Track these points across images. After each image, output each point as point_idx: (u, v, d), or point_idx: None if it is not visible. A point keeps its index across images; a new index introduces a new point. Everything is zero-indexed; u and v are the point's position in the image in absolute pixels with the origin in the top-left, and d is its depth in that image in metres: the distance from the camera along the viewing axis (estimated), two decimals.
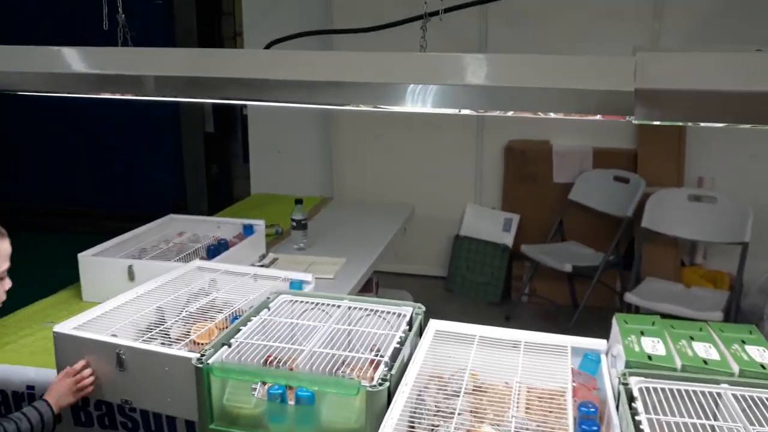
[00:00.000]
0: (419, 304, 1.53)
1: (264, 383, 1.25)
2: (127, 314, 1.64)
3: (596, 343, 1.43)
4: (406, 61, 1.11)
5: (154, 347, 1.43)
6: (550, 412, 1.28)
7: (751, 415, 1.12)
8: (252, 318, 1.47)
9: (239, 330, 1.40)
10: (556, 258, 3.66)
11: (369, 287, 2.86)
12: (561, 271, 3.63)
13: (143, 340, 1.48)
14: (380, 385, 1.18)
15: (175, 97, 1.36)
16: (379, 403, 1.17)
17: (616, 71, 1.02)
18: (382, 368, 1.25)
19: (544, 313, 4.05)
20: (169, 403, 1.41)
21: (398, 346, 1.33)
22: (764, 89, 1.02)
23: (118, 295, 1.70)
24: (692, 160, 3.93)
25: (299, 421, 1.23)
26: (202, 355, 1.28)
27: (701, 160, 3.94)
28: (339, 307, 1.54)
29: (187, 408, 1.34)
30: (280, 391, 1.22)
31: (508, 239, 4.22)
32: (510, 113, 1.05)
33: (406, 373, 1.27)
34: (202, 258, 2.14)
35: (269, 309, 1.52)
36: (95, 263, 2.11)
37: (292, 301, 1.58)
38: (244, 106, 5.49)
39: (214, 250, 2.24)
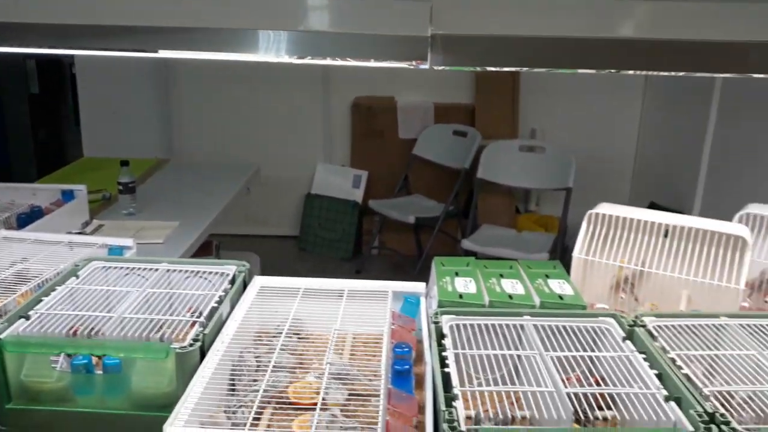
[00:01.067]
0: (243, 262, 1.49)
1: (69, 355, 1.17)
2: None
3: (416, 287, 1.47)
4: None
5: None
6: (374, 355, 1.31)
7: (547, 343, 1.21)
8: (57, 287, 1.36)
9: (41, 300, 1.29)
10: (401, 211, 3.76)
11: (208, 251, 2.77)
12: (407, 223, 3.74)
13: None
14: (191, 345, 1.13)
15: None
16: (191, 364, 1.13)
17: (412, 17, 1.03)
18: (196, 328, 1.20)
19: (392, 264, 4.17)
20: None
21: (216, 305, 1.29)
22: (550, 34, 1.07)
23: None
24: (526, 113, 4.17)
25: (108, 390, 1.16)
26: None
27: (534, 112, 4.18)
28: (157, 270, 1.46)
29: None
30: (84, 362, 1.14)
31: (357, 195, 4.27)
32: (306, 60, 1.02)
33: (222, 331, 1.23)
34: (10, 228, 1.95)
35: (78, 277, 1.41)
36: None
37: (105, 267, 1.47)
38: (72, 64, 5.05)
39: (26, 218, 2.04)
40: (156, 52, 1.24)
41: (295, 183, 4.41)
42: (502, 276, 1.43)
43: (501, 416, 1.07)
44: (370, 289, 1.45)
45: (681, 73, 1.22)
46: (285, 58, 1.00)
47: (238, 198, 2.89)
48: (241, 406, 1.11)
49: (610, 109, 4.15)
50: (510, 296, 1.33)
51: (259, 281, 1.46)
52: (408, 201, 4.05)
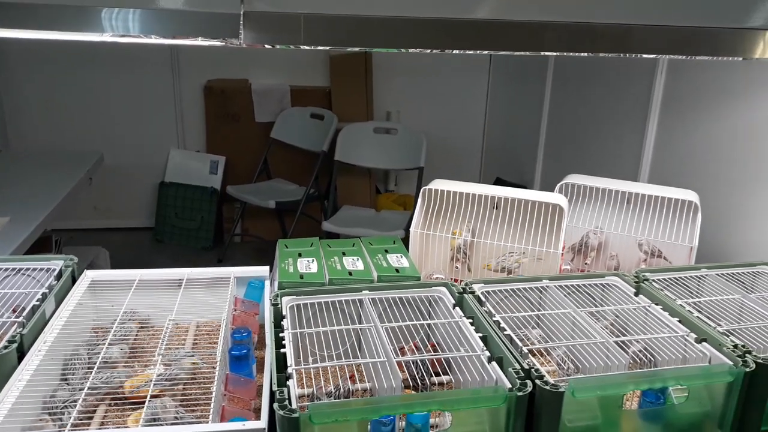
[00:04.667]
0: (71, 256, 1.40)
1: None
2: None
3: (260, 271, 1.46)
4: None
5: None
6: (216, 343, 1.29)
7: (383, 314, 1.25)
8: None
9: None
10: (261, 196, 3.71)
11: (47, 247, 2.58)
12: (269, 209, 3.70)
13: None
14: (6, 348, 1.05)
15: None
16: (7, 367, 1.05)
17: None
18: (14, 329, 1.12)
19: (256, 251, 4.11)
20: None
21: (37, 303, 1.21)
22: (368, 14, 1.09)
23: None
24: (381, 96, 4.24)
25: None
26: None
27: (389, 95, 4.27)
28: None
29: None
30: None
31: (216, 182, 4.15)
32: (115, 38, 0.97)
33: (45, 330, 1.16)
34: None
35: None
36: None
37: None
38: None
39: None
40: None
41: (147, 171, 4.20)
42: (344, 254, 1.45)
43: (338, 391, 1.09)
44: (212, 277, 1.43)
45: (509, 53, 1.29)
46: (91, 36, 0.94)
47: (80, 189, 2.71)
48: (66, 406, 1.06)
49: (460, 91, 4.32)
50: (350, 273, 1.35)
51: (89, 275, 1.38)
52: (268, 186, 4.00)
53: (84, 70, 3.98)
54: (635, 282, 1.38)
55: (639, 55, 1.32)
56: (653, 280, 1.39)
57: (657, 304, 1.30)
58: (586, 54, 1.31)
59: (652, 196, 1.63)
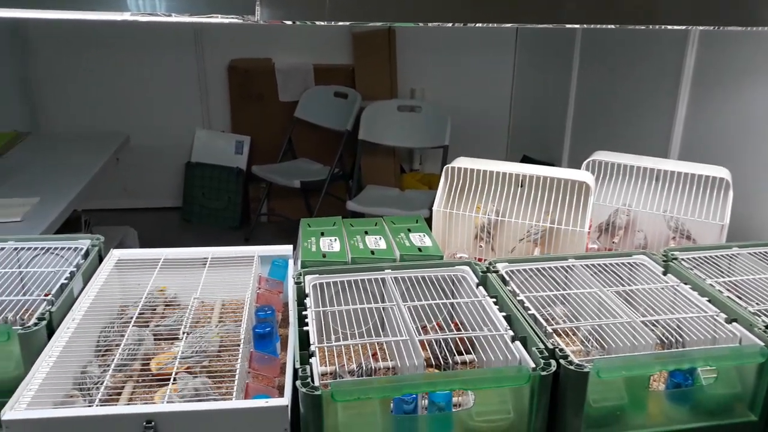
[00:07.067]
0: (98, 236, 1.42)
1: None
2: None
3: (283, 250, 1.46)
4: None
5: None
6: (241, 321, 1.30)
7: (406, 294, 1.25)
8: None
9: None
10: (286, 176, 3.72)
11: (77, 227, 2.62)
12: (294, 188, 3.71)
13: None
14: (36, 325, 1.07)
15: None
16: (38, 344, 1.07)
17: None
18: (43, 307, 1.14)
19: (282, 230, 4.14)
20: None
21: (65, 281, 1.23)
22: None
23: None
24: (405, 73, 4.20)
25: None
26: None
27: (413, 72, 4.22)
28: (2, 249, 1.37)
29: None
30: None
31: (241, 162, 4.17)
32: (128, 16, 0.96)
33: (73, 308, 1.18)
34: None
35: None
36: None
37: None
38: None
39: None
40: None
41: (174, 151, 4.23)
42: (366, 233, 1.45)
43: (360, 369, 1.10)
44: (237, 256, 1.43)
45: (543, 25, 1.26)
46: (110, 15, 0.94)
47: (107, 170, 2.74)
48: (96, 383, 1.08)
49: (486, 67, 4.26)
50: (372, 252, 1.35)
51: (116, 254, 1.40)
52: (293, 165, 4.01)
53: (109, 50, 4.00)
54: (663, 261, 1.36)
55: (665, 26, 1.28)
56: (682, 259, 1.36)
57: (686, 284, 1.27)
58: (610, 26, 1.27)
59: (682, 173, 1.59)
